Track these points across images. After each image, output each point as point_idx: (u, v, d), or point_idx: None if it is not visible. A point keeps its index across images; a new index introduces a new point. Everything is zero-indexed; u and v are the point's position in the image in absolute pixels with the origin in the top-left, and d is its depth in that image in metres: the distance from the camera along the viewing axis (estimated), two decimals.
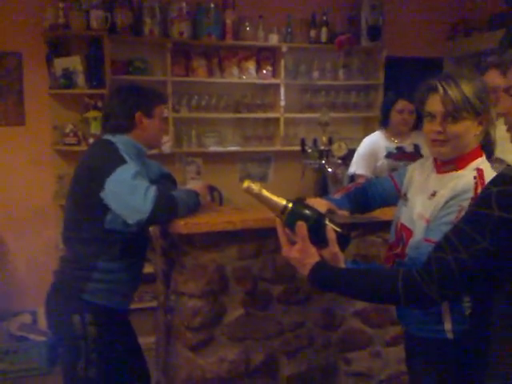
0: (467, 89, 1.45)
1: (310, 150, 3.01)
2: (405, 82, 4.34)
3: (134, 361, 2.23)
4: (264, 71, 4.19)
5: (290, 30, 4.19)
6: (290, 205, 1.40)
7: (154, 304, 3.01)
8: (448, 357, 1.53)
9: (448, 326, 1.52)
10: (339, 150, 2.89)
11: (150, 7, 3.82)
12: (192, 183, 3.10)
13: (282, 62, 4.15)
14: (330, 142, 2.95)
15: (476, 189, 1.43)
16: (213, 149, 4.12)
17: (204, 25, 3.95)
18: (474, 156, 1.52)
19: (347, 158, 3.02)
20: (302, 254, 1.36)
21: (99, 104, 3.63)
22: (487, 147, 1.57)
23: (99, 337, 2.00)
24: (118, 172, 1.88)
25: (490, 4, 4.22)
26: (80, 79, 3.63)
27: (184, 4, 3.85)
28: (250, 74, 4.12)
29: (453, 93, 1.44)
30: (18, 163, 3.74)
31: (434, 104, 1.48)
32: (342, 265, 1.39)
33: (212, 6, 3.93)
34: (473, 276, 1.10)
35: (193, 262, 2.07)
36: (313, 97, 4.32)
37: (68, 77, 3.59)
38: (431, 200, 1.53)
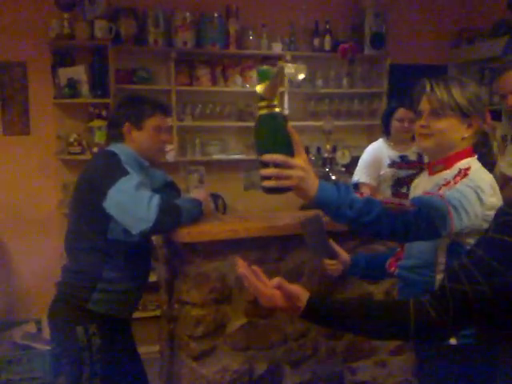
0: (456, 90, 1.52)
1: (313, 158, 3.01)
2: (409, 90, 4.37)
3: (135, 371, 2.22)
4: None
5: (293, 38, 4.20)
6: None
7: (157, 313, 3.01)
8: (452, 362, 1.51)
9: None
10: (343, 157, 2.90)
11: (154, 17, 3.84)
12: (195, 192, 3.08)
13: None
14: (334, 149, 2.95)
15: (456, 176, 1.50)
16: (216, 157, 4.13)
17: (208, 34, 3.96)
18: (461, 156, 1.56)
19: (351, 166, 3.02)
20: (288, 301, 1.15)
21: (103, 113, 3.65)
22: (485, 159, 1.59)
23: (103, 347, 1.99)
24: (120, 182, 1.88)
25: (493, 11, 4.22)
26: (84, 89, 3.65)
27: (188, 14, 3.88)
28: (253, 82, 4.13)
29: (439, 91, 1.52)
30: (23, 172, 3.75)
31: (423, 102, 1.57)
32: None
33: (215, 15, 3.95)
34: (493, 309, 1.01)
35: (196, 270, 2.07)
36: (316, 105, 4.33)
37: (72, 86, 3.60)
38: None
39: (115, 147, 2.05)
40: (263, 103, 1.18)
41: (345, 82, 4.35)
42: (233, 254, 2.08)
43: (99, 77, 3.71)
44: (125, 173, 1.91)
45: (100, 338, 1.98)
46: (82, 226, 2.03)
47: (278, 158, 1.17)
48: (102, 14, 3.70)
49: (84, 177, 2.05)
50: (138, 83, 3.85)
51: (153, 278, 2.50)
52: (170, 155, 3.93)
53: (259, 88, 1.18)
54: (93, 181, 1.97)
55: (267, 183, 1.19)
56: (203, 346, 2.10)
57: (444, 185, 1.49)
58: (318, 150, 4.02)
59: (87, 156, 3.58)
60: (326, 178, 2.92)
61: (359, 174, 3.08)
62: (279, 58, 4.16)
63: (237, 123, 4.17)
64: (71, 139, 3.67)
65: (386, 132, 3.10)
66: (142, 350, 2.34)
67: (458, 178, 1.48)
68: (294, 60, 4.17)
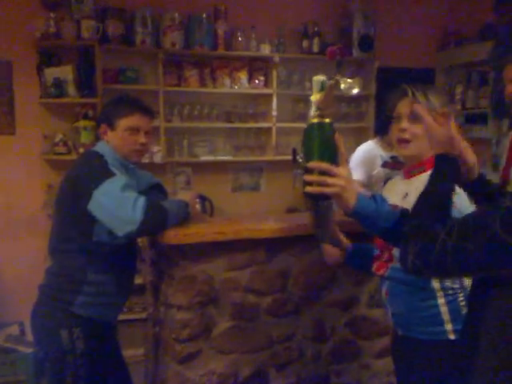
0: (433, 97, 1.58)
1: (301, 160, 3.00)
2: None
3: (120, 374, 2.20)
4: (256, 81, 4.19)
5: (282, 40, 4.20)
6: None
7: (143, 315, 2.98)
8: (451, 357, 1.52)
9: (449, 326, 1.56)
10: None
11: (142, 17, 3.82)
12: (182, 193, 3.07)
13: (275, 73, 4.16)
14: None
15: None
16: (204, 158, 4.11)
17: (196, 35, 3.95)
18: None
19: None
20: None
21: (90, 113, 3.61)
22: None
23: (87, 351, 1.97)
24: (105, 184, 1.86)
25: (480, 15, 4.25)
26: (71, 88, 3.62)
27: (176, 14, 3.86)
28: (241, 84, 4.12)
29: (420, 97, 1.57)
30: (8, 172, 3.71)
31: (403, 106, 1.61)
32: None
33: (204, 16, 3.93)
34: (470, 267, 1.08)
35: (182, 273, 2.05)
36: (305, 107, 4.32)
37: (59, 86, 3.57)
38: (405, 200, 1.59)
39: (101, 148, 2.03)
40: (316, 112, 1.26)
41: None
42: (220, 256, 2.07)
43: (86, 77, 3.68)
44: (110, 174, 1.89)
45: (84, 342, 1.95)
46: (66, 228, 2.01)
47: (323, 165, 1.25)
48: (89, 13, 3.67)
49: (69, 178, 2.02)
50: (126, 83, 3.83)
51: (138, 280, 2.48)
52: (157, 156, 3.92)
53: (314, 97, 1.26)
54: (78, 182, 1.95)
55: (310, 189, 1.26)
56: (189, 349, 2.08)
57: None
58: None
59: (73, 156, 3.55)
60: None
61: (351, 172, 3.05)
62: (268, 59, 4.16)
63: (225, 124, 4.16)
64: (57, 139, 3.64)
65: (381, 132, 3.09)
66: (126, 353, 2.32)
67: None
68: (283, 61, 4.18)
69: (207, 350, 2.11)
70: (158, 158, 3.91)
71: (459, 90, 4.40)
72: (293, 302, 2.19)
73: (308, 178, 1.26)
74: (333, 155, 1.26)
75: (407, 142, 1.61)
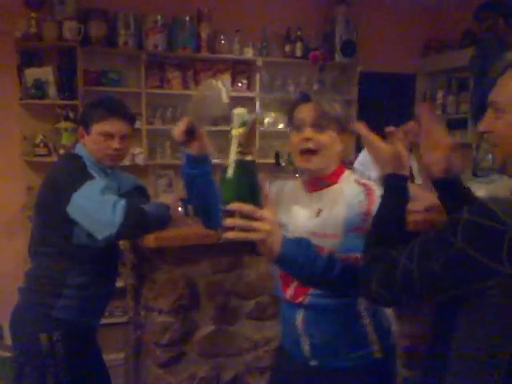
0: (335, 103, 1.46)
1: (284, 164, 3.01)
2: (378, 98, 4.43)
3: (100, 378, 2.17)
4: (239, 84, 4.19)
5: (265, 44, 4.21)
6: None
7: (124, 319, 2.96)
8: (381, 377, 1.49)
9: (376, 346, 1.46)
10: None
11: (125, 19, 3.80)
12: (164, 196, 3.06)
13: (258, 76, 4.17)
14: None
15: (369, 195, 1.39)
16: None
17: (179, 37, 3.94)
18: (341, 170, 1.50)
19: None
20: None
21: (71, 115, 3.58)
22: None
23: (68, 355, 1.94)
24: (85, 187, 1.84)
25: (460, 22, 4.32)
26: (52, 90, 3.59)
27: (159, 16, 3.85)
28: (225, 86, 4.12)
29: (324, 103, 1.44)
30: None
31: (305, 112, 1.45)
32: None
33: (187, 18, 3.93)
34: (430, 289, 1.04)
35: (163, 276, 2.04)
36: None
37: (39, 87, 3.54)
38: (320, 217, 1.45)
39: (79, 150, 2.01)
40: (237, 149, 1.12)
41: (315, 88, 4.38)
42: (203, 259, 2.06)
43: (67, 78, 3.65)
44: (89, 177, 1.87)
45: (64, 345, 1.93)
46: (46, 231, 1.98)
47: (245, 207, 1.10)
48: (71, 14, 3.65)
49: (48, 180, 2.00)
50: (108, 85, 3.80)
51: (119, 283, 2.46)
52: (139, 158, 3.89)
53: (235, 132, 1.13)
54: (57, 184, 1.92)
55: (232, 235, 1.10)
56: (170, 354, 2.06)
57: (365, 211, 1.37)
58: (289, 155, 4.02)
59: (54, 158, 3.52)
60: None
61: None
62: (251, 62, 4.17)
63: (208, 127, 4.14)
64: (37, 141, 3.60)
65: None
66: (107, 357, 2.29)
67: (373, 197, 1.38)
68: (266, 65, 4.19)
69: (189, 353, 2.10)
70: (139, 160, 3.89)
71: (440, 95, 4.46)
72: (275, 305, 2.19)
73: (229, 222, 1.09)
74: (256, 196, 1.12)
75: (312, 153, 1.43)
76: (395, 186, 1.20)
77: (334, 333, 1.46)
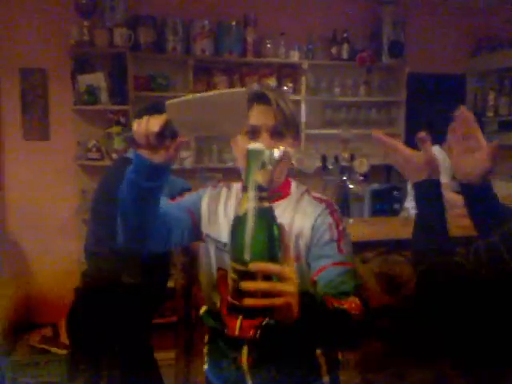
0: (292, 106, 1.29)
1: (331, 167, 3.00)
2: (427, 100, 4.35)
3: (153, 377, 2.22)
4: (285, 87, 4.20)
5: (310, 46, 4.20)
6: None
7: (174, 319, 3.01)
8: None
9: (326, 378, 1.34)
10: (361, 166, 2.87)
11: (173, 25, 3.88)
12: None
13: (303, 79, 4.16)
14: (352, 158, 2.94)
15: (332, 214, 1.28)
16: (233, 164, 4.12)
17: (225, 42, 3.99)
18: (288, 179, 1.36)
19: (369, 175, 3.00)
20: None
21: (122, 120, 3.67)
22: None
23: (121, 353, 1.99)
24: None
25: None
26: (103, 95, 3.68)
27: (206, 22, 3.90)
28: None
29: (284, 106, 1.25)
30: (42, 177, 3.79)
31: (260, 116, 1.24)
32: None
33: (234, 23, 3.97)
34: None
35: None
36: (333, 113, 4.32)
37: (92, 93, 3.64)
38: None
39: (132, 154, 2.06)
40: (257, 193, 0.88)
41: (362, 90, 4.34)
42: None
43: (118, 83, 3.74)
44: None
45: (119, 344, 1.98)
46: (100, 233, 2.04)
47: (273, 268, 0.87)
48: (121, 21, 3.74)
49: (102, 183, 2.06)
50: (156, 90, 3.88)
51: (170, 284, 2.50)
52: (187, 162, 3.95)
53: (255, 177, 0.89)
54: (110, 188, 1.98)
55: (252, 302, 0.85)
56: None
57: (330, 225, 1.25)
58: (336, 158, 4.00)
59: (106, 162, 3.61)
60: (344, 186, 2.92)
61: None
62: (296, 66, 4.17)
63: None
64: (90, 145, 3.71)
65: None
66: (158, 356, 2.33)
67: (335, 213, 1.29)
68: (312, 67, 4.18)
69: None
70: (187, 164, 3.95)
71: (492, 96, 4.34)
72: None
73: (251, 287, 0.85)
74: (277, 251, 0.90)
75: None
76: (434, 192, 1.13)
77: (283, 369, 1.29)
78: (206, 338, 1.46)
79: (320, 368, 1.34)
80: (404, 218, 2.88)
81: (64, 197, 3.79)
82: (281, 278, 0.87)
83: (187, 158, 3.94)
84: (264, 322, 0.99)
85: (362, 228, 2.67)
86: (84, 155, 3.74)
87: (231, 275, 0.88)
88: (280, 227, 0.90)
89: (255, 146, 0.92)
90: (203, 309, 1.42)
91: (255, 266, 0.85)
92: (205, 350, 1.46)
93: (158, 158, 1.13)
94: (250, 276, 0.86)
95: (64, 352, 3.21)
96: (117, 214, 1.21)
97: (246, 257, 0.86)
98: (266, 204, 0.89)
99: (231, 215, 1.31)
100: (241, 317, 1.08)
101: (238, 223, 0.89)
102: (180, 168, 3.79)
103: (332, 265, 1.19)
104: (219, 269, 1.33)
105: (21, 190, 3.77)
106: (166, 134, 1.11)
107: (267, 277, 0.86)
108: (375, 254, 2.18)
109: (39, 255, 3.77)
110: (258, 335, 1.23)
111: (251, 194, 0.88)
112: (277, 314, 0.89)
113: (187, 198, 1.41)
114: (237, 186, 1.40)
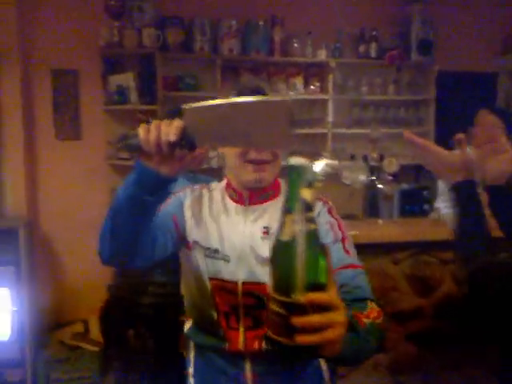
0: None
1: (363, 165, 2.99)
2: (457, 98, 4.28)
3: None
4: (312, 87, 4.19)
5: (338, 45, 4.18)
6: None
7: None
8: None
9: None
10: (390, 165, 2.86)
11: (201, 25, 3.90)
12: None
13: (331, 78, 4.15)
14: (381, 158, 2.93)
15: (330, 212, 1.26)
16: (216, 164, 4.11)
17: (253, 41, 4.00)
18: (277, 179, 1.33)
19: (398, 175, 2.98)
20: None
21: (151, 120, 3.69)
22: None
23: (155, 350, 2.02)
24: None
25: None
26: (133, 95, 3.73)
27: (233, 22, 3.92)
28: (297, 89, 4.13)
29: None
30: (74, 175, 3.86)
31: None
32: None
33: (261, 22, 3.98)
34: None
35: None
36: (361, 112, 4.30)
37: (121, 93, 3.69)
38: (269, 236, 1.21)
39: (136, 163, 2.09)
40: (309, 214, 0.80)
41: (391, 89, 4.31)
42: None
43: (147, 84, 3.78)
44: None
45: (152, 341, 2.01)
46: None
47: (325, 298, 0.77)
48: (149, 22, 3.78)
49: None
50: (185, 90, 3.91)
51: None
52: (214, 161, 3.97)
53: (307, 195, 0.80)
54: None
55: (305, 339, 0.75)
56: None
57: (328, 224, 1.21)
58: (365, 157, 3.98)
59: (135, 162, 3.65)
60: (373, 185, 2.91)
61: None
62: (323, 64, 4.16)
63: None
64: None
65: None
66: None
67: (333, 211, 1.26)
68: (339, 66, 4.16)
69: None
70: (214, 163, 3.97)
71: None
72: None
73: (306, 321, 0.75)
74: (326, 277, 0.80)
75: (266, 164, 1.21)
76: (474, 192, 1.13)
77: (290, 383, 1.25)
78: (190, 355, 1.36)
79: (324, 381, 1.31)
80: (435, 218, 2.85)
81: (95, 195, 3.85)
82: (332, 308, 0.78)
83: (214, 158, 3.96)
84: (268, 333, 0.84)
85: (392, 229, 2.66)
86: (114, 155, 3.79)
87: (274, 308, 0.77)
88: (326, 249, 0.80)
89: (298, 160, 0.82)
90: (187, 325, 1.34)
91: (308, 298, 0.75)
92: (189, 371, 1.38)
93: (166, 170, 1.03)
94: (301, 309, 0.76)
95: (95, 348, 3.26)
96: (108, 223, 1.12)
97: (299, 287, 0.76)
98: (314, 226, 0.80)
99: (220, 219, 1.26)
100: (242, 329, 1.12)
101: (284, 250, 0.79)
102: (207, 167, 3.82)
103: (341, 268, 1.12)
104: (212, 279, 1.26)
105: (53, 188, 3.84)
106: (183, 145, 0.97)
107: (314, 307, 0.76)
108: (406, 255, 2.16)
109: (71, 253, 3.83)
110: (264, 346, 1.17)
111: (298, 215, 0.79)
112: (328, 349, 0.79)
113: (170, 202, 1.33)
114: (216, 187, 1.36)
